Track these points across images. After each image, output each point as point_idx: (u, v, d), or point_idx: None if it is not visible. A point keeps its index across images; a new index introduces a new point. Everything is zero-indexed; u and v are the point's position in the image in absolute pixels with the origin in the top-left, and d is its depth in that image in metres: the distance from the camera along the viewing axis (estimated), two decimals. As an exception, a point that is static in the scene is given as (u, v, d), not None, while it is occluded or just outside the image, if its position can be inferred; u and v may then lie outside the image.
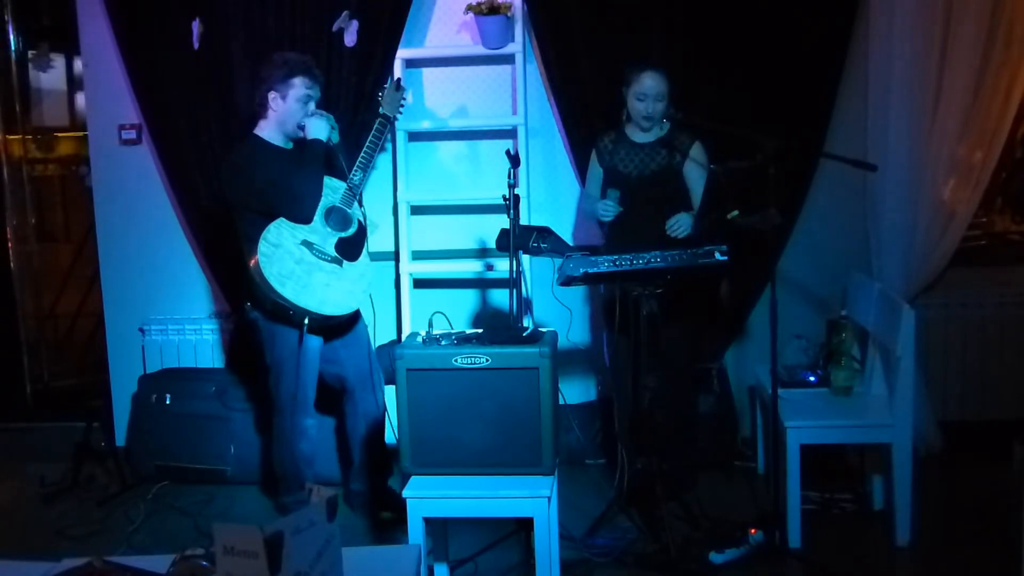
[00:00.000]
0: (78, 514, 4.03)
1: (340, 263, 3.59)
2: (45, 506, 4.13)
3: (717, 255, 3.26)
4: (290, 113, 3.62)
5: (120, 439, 4.62)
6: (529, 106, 4.40)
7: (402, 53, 4.37)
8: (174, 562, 1.90)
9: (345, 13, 4.24)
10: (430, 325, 3.17)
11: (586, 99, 4.28)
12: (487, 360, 2.94)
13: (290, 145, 3.70)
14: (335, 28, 4.26)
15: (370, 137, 3.79)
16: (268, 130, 3.66)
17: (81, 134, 5.84)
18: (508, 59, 4.39)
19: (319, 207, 3.59)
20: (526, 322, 3.68)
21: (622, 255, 3.30)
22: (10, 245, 5.72)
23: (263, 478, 4.19)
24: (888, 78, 4.05)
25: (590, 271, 3.28)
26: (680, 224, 3.68)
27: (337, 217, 3.63)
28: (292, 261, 3.51)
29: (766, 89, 4.13)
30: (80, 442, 4.34)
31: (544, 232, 3.64)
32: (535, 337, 3.09)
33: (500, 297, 4.55)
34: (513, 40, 4.31)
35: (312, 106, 3.65)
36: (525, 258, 4.15)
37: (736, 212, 3.46)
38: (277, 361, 3.65)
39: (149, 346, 4.68)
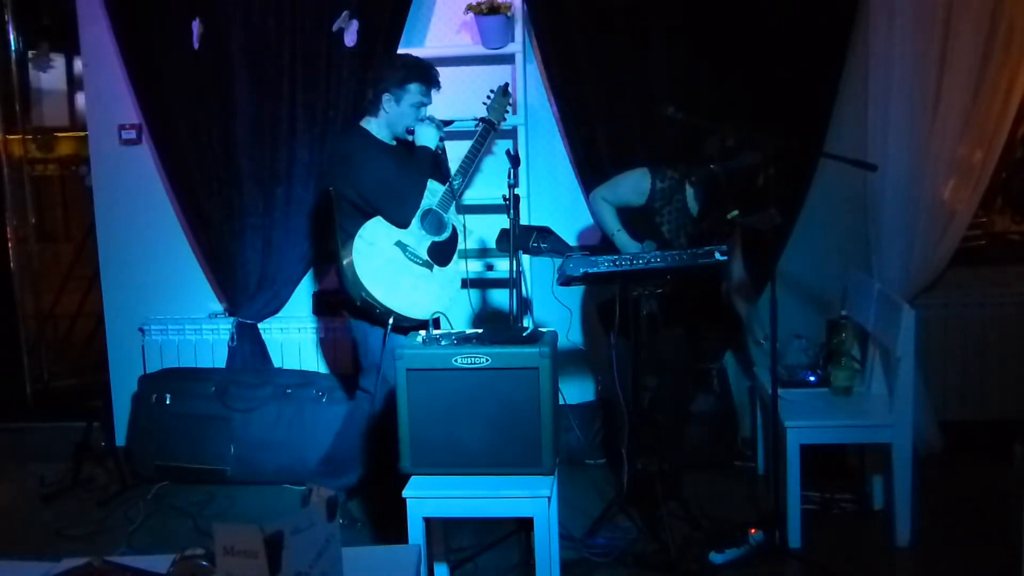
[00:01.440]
0: (78, 514, 4.03)
1: (431, 267, 3.58)
2: (45, 506, 4.13)
3: (717, 255, 3.25)
4: (401, 117, 3.60)
5: (120, 439, 4.62)
6: (529, 106, 4.40)
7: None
8: (174, 562, 1.90)
9: (345, 13, 4.25)
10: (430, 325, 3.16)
11: (586, 99, 4.28)
12: (487, 360, 2.94)
13: (394, 143, 3.69)
14: (335, 28, 4.27)
15: (473, 142, 3.79)
16: (375, 126, 3.64)
17: (81, 134, 5.85)
18: (508, 59, 4.39)
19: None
20: (526, 322, 3.67)
21: (622, 255, 3.30)
22: (10, 245, 5.72)
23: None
24: (888, 78, 4.05)
25: (590, 271, 3.28)
26: None
27: (433, 221, 3.61)
28: (383, 260, 3.50)
29: (766, 89, 4.12)
30: (80, 442, 4.33)
31: (544, 232, 3.64)
32: (535, 337, 3.08)
33: (500, 297, 4.55)
34: (513, 40, 4.31)
35: (424, 112, 3.63)
36: (525, 258, 4.15)
37: (736, 212, 3.45)
38: (372, 357, 3.63)
39: (149, 346, 4.68)
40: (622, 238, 3.69)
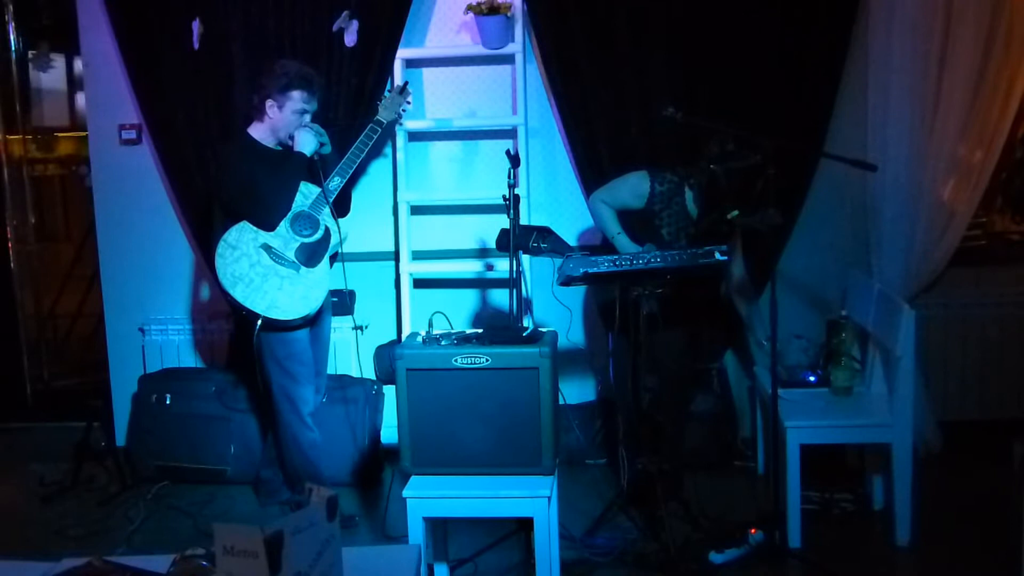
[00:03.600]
0: (78, 514, 4.03)
1: (297, 268, 3.61)
2: (45, 506, 4.13)
3: (717, 255, 3.25)
4: (285, 123, 3.64)
5: (120, 439, 4.62)
6: (529, 106, 4.40)
7: (402, 53, 4.37)
8: (174, 562, 1.90)
9: (345, 13, 4.25)
10: (430, 325, 3.17)
11: (586, 99, 4.28)
12: (487, 360, 2.94)
13: (279, 148, 3.71)
14: (335, 28, 4.27)
15: (357, 142, 3.78)
16: (260, 132, 3.69)
17: (81, 134, 5.85)
18: (508, 59, 4.39)
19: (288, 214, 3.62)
20: (526, 322, 3.67)
21: (622, 255, 3.30)
22: (10, 245, 5.72)
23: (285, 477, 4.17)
24: (888, 78, 4.05)
25: (590, 271, 3.28)
26: None
27: (304, 223, 3.64)
28: (247, 264, 3.56)
29: (766, 89, 4.12)
30: (80, 442, 4.34)
31: (544, 232, 3.64)
32: (535, 337, 3.09)
33: (500, 297, 4.55)
34: (513, 40, 4.31)
35: (307, 118, 3.66)
36: (525, 258, 4.15)
37: (736, 212, 3.46)
38: (260, 358, 3.67)
39: (149, 346, 4.68)
40: (622, 241, 3.69)
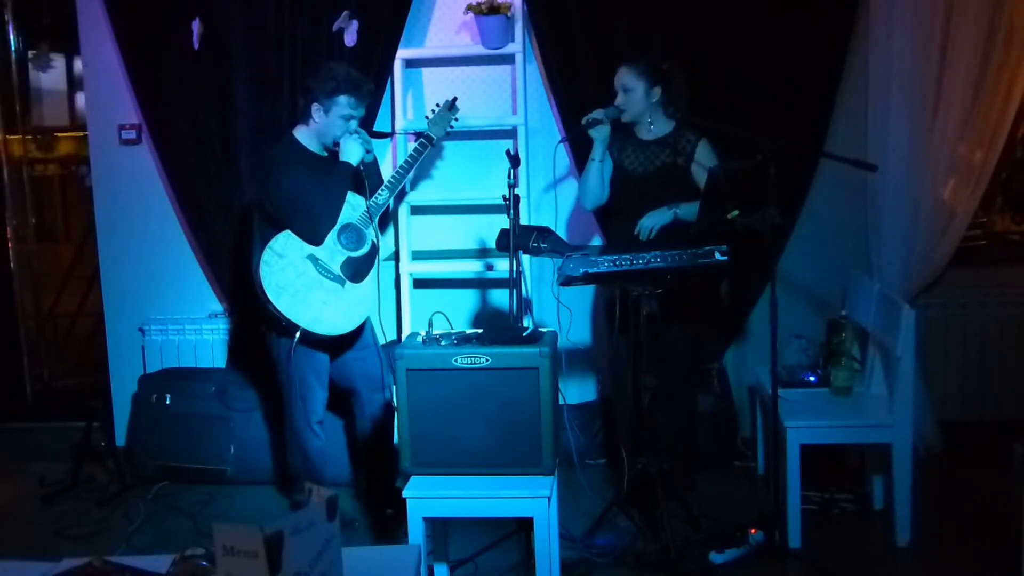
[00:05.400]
0: (78, 514, 4.03)
1: (342, 283, 3.55)
2: (45, 506, 4.13)
3: (717, 255, 3.26)
4: (331, 128, 3.55)
5: (120, 439, 4.62)
6: (529, 106, 4.40)
7: (402, 53, 4.37)
8: (174, 562, 1.90)
9: (345, 13, 4.25)
10: (430, 325, 3.17)
11: (586, 99, 4.27)
12: (487, 360, 2.94)
13: (324, 153, 3.64)
14: (335, 28, 4.27)
15: (406, 157, 3.76)
16: (306, 135, 3.60)
17: (81, 134, 5.85)
18: (508, 59, 4.40)
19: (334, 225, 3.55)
20: (526, 322, 3.67)
21: (622, 255, 3.30)
22: (10, 245, 5.72)
23: (277, 477, 4.21)
24: (888, 78, 4.05)
25: (590, 271, 3.28)
26: (643, 227, 3.66)
27: (351, 235, 3.57)
28: (293, 274, 3.48)
29: (766, 89, 4.13)
30: (80, 442, 4.34)
31: (544, 232, 3.64)
32: (535, 337, 3.09)
33: (500, 297, 4.55)
34: (513, 40, 4.31)
35: (354, 124, 3.57)
36: (525, 258, 4.15)
37: (736, 212, 3.45)
38: (283, 364, 3.63)
39: (149, 346, 4.68)
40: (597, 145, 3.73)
